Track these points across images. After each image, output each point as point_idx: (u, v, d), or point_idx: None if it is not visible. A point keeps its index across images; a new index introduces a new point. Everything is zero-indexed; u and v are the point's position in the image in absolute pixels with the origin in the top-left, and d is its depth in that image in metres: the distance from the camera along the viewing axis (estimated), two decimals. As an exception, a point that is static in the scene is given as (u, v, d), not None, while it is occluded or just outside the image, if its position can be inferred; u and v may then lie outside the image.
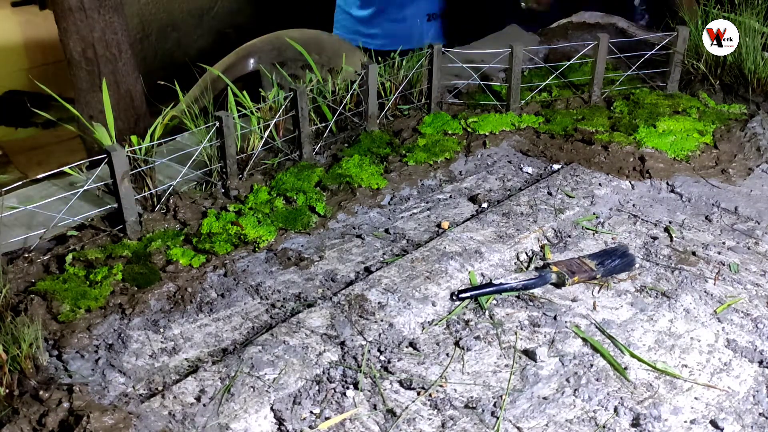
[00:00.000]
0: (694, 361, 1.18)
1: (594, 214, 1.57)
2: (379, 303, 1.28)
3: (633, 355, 1.19)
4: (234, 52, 2.63)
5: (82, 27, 2.22)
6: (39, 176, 1.50)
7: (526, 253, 1.45)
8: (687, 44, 2.02)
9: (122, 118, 2.35)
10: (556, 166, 1.76)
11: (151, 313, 1.30)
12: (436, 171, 1.73)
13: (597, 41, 1.96)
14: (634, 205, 1.60)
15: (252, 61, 2.50)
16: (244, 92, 1.67)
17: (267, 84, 2.30)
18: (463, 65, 2.02)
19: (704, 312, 1.29)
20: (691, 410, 1.09)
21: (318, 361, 1.16)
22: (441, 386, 1.13)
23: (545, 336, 1.23)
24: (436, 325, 1.26)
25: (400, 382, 1.14)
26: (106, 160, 1.41)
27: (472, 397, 1.11)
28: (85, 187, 1.44)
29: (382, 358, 1.18)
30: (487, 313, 1.29)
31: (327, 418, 1.08)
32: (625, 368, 1.16)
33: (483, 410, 1.09)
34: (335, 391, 1.12)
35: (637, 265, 1.40)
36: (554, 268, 1.35)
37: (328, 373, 1.15)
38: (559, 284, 1.35)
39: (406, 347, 1.21)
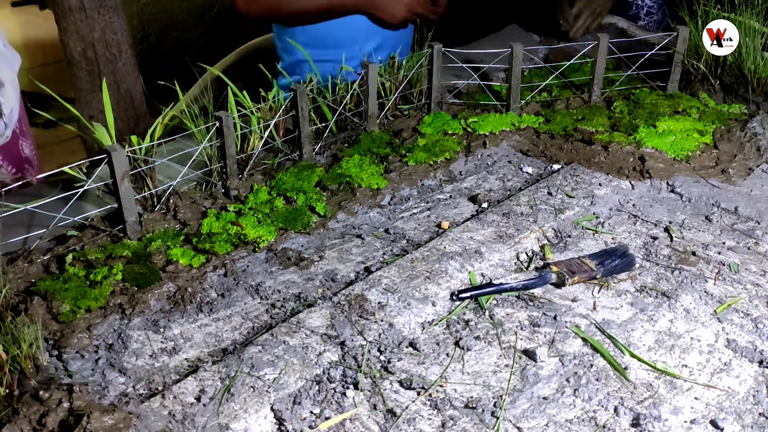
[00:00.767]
0: (694, 361, 1.18)
1: (594, 214, 1.57)
2: (379, 303, 1.28)
3: (633, 355, 1.19)
4: (234, 52, 2.64)
5: (82, 27, 2.22)
6: (39, 176, 1.50)
7: (526, 253, 1.45)
8: (687, 44, 2.02)
9: (122, 118, 2.35)
10: (556, 166, 1.76)
11: (151, 313, 1.30)
12: (436, 171, 1.73)
13: (597, 41, 1.96)
14: (634, 205, 1.60)
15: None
16: (244, 92, 1.68)
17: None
18: (464, 65, 2.02)
19: (704, 312, 1.29)
20: (691, 410, 1.09)
21: (318, 361, 1.16)
22: (441, 386, 1.13)
23: (545, 336, 1.23)
24: (436, 325, 1.26)
25: (400, 382, 1.14)
26: (106, 160, 1.42)
27: (472, 397, 1.11)
28: (85, 187, 1.44)
29: (382, 358, 1.18)
30: (487, 313, 1.28)
31: (327, 418, 1.08)
32: (625, 368, 1.16)
33: (483, 410, 1.09)
34: (335, 391, 1.12)
35: (637, 265, 1.40)
36: (554, 268, 1.35)
37: (328, 373, 1.15)
38: (559, 284, 1.35)
39: (406, 347, 1.21)
